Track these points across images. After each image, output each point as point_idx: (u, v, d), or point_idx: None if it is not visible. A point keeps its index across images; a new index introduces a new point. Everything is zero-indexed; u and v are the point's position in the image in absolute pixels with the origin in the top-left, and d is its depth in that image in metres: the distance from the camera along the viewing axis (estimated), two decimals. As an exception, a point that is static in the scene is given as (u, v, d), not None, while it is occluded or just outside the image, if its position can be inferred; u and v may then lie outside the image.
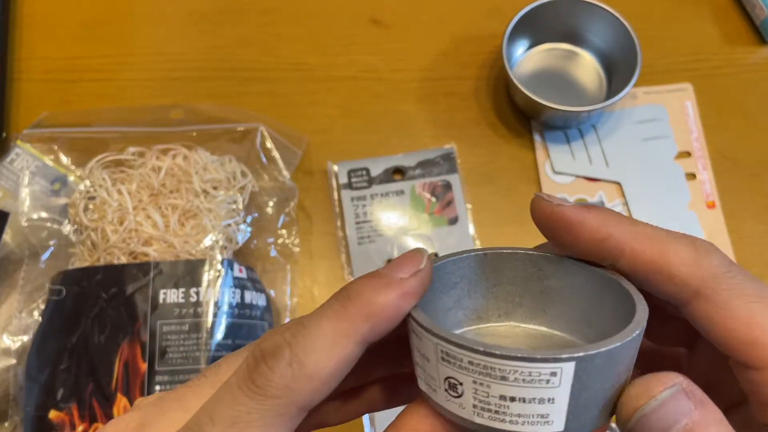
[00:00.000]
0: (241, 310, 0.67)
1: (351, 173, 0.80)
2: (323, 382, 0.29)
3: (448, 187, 0.80)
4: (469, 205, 0.80)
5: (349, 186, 0.80)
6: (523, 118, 0.84)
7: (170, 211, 0.70)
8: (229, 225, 0.73)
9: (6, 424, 0.68)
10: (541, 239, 0.37)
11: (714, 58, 0.87)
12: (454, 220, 0.79)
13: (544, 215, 0.35)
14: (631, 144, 0.82)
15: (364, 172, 0.80)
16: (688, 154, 0.82)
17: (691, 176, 0.81)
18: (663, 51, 0.87)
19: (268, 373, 0.29)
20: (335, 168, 0.81)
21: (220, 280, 0.67)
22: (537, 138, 0.83)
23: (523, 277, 0.37)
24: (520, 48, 0.85)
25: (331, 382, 0.29)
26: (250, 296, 0.69)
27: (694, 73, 0.86)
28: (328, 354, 0.29)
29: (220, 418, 0.29)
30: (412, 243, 0.77)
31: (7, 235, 0.73)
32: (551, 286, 0.36)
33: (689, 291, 0.31)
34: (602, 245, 0.32)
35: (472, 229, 0.79)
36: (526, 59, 0.85)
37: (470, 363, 0.28)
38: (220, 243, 0.71)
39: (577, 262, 0.35)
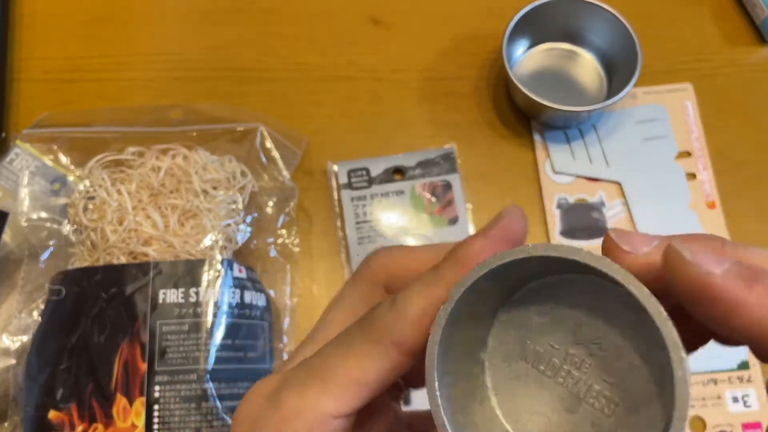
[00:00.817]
0: (240, 310, 0.67)
1: (351, 173, 0.80)
2: (415, 320, 0.31)
3: (448, 187, 0.80)
4: (469, 205, 0.80)
5: (349, 186, 0.80)
6: (523, 118, 0.84)
7: (170, 211, 0.70)
8: (229, 225, 0.72)
9: (6, 424, 0.68)
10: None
11: (714, 58, 0.87)
12: (454, 220, 0.79)
13: (688, 284, 0.26)
14: (631, 144, 0.82)
15: (364, 172, 0.80)
16: (688, 154, 0.82)
17: (692, 176, 0.81)
18: (663, 51, 0.87)
19: (372, 313, 0.32)
20: (335, 168, 0.81)
21: (219, 280, 0.67)
22: (537, 138, 0.83)
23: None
24: (520, 48, 0.85)
25: (425, 323, 0.30)
26: (249, 296, 0.69)
27: (694, 73, 0.86)
28: (420, 295, 0.31)
29: (337, 337, 0.33)
30: (412, 243, 0.77)
31: (7, 235, 0.73)
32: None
33: None
34: (755, 339, 0.25)
35: (472, 229, 0.79)
36: (526, 59, 0.85)
37: None
38: (220, 243, 0.71)
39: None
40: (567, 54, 0.86)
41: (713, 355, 0.72)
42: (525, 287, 0.32)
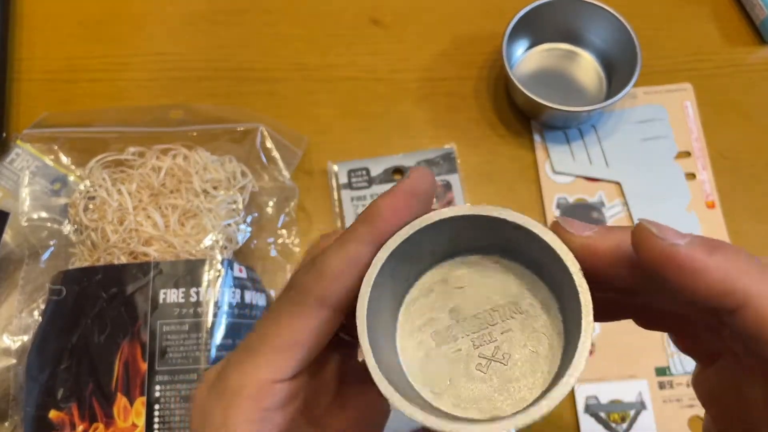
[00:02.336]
0: (241, 310, 0.67)
1: (351, 173, 0.80)
2: (334, 277, 0.33)
3: (448, 187, 0.80)
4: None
5: (349, 186, 0.80)
6: (523, 118, 0.84)
7: (170, 211, 0.70)
8: (229, 225, 0.73)
9: (6, 423, 0.68)
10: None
11: (714, 58, 0.87)
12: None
13: (654, 255, 0.29)
14: (631, 144, 0.82)
15: (364, 172, 0.80)
16: (687, 154, 0.82)
17: (691, 176, 0.81)
18: (663, 51, 0.87)
19: (294, 275, 0.35)
20: (335, 168, 0.81)
21: (220, 280, 0.67)
22: (537, 138, 0.83)
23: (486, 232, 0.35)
24: (520, 48, 0.85)
25: (343, 278, 0.33)
26: (250, 296, 0.69)
27: (693, 73, 0.86)
28: (336, 253, 0.33)
29: (268, 311, 0.35)
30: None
31: (7, 235, 0.73)
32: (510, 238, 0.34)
33: None
34: (720, 299, 0.28)
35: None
36: (526, 59, 0.85)
37: None
38: (220, 243, 0.71)
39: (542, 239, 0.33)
40: (567, 54, 0.86)
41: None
42: (447, 261, 0.36)
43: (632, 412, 0.73)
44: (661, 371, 0.74)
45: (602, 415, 0.72)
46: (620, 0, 0.83)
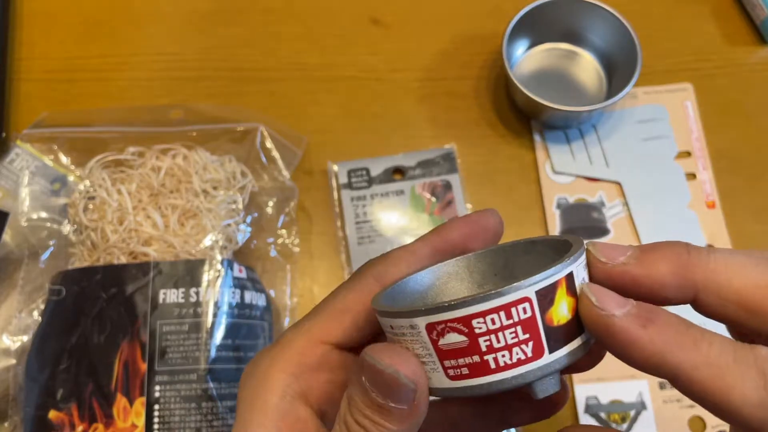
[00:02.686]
0: (241, 310, 0.67)
1: (351, 173, 0.80)
2: (396, 261, 0.37)
3: (448, 187, 0.80)
4: (469, 205, 0.80)
5: (349, 186, 0.80)
6: (523, 118, 0.84)
7: (170, 211, 0.70)
8: (229, 225, 0.73)
9: (6, 424, 0.68)
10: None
11: (714, 58, 0.87)
12: (454, 220, 0.78)
13: (593, 323, 0.30)
14: (631, 144, 0.82)
15: (364, 172, 0.80)
16: (688, 153, 0.82)
17: (691, 176, 0.81)
18: (663, 51, 0.87)
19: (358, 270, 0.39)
20: (335, 168, 0.81)
21: (219, 280, 0.67)
22: (537, 138, 0.83)
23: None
24: (520, 48, 0.85)
25: (402, 265, 0.37)
26: (250, 296, 0.69)
27: (694, 73, 0.86)
28: (405, 247, 0.38)
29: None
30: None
31: (7, 235, 0.73)
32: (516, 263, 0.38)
33: (749, 429, 0.29)
34: (654, 370, 0.29)
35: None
36: (526, 59, 0.85)
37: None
38: (220, 243, 0.71)
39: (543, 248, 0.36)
40: (567, 54, 0.86)
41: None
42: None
43: (632, 413, 0.73)
44: (662, 371, 0.74)
45: (602, 415, 0.72)
46: (620, 0, 0.83)
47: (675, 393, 0.73)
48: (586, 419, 0.72)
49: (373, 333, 0.38)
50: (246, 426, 0.35)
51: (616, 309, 0.29)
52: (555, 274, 0.30)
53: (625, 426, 0.72)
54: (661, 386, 0.73)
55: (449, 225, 0.38)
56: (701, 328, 0.30)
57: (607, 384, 0.73)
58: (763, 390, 0.28)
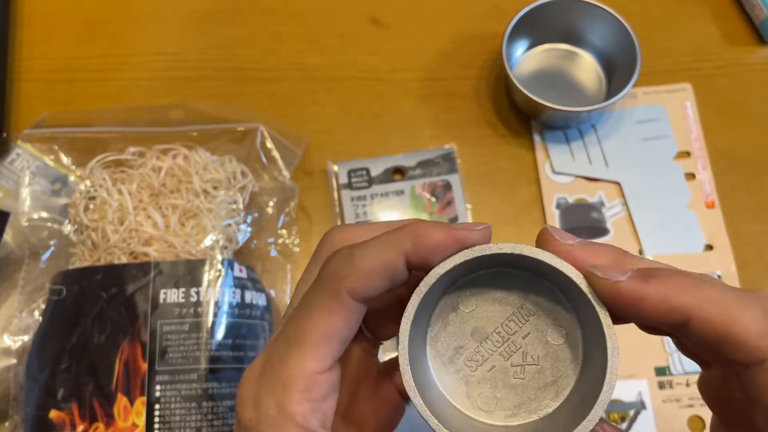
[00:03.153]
0: (241, 309, 0.67)
1: (351, 173, 0.80)
2: (366, 275, 0.35)
3: (448, 187, 0.80)
4: (469, 205, 0.80)
5: (349, 186, 0.80)
6: (523, 118, 0.84)
7: (170, 211, 0.70)
8: (230, 225, 0.73)
9: (6, 424, 0.68)
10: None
11: (714, 58, 0.87)
12: (454, 220, 0.79)
13: (604, 294, 0.33)
14: (631, 144, 0.82)
15: (364, 172, 0.80)
16: (687, 154, 0.82)
17: (691, 176, 0.81)
18: (663, 51, 0.87)
19: (327, 264, 0.37)
20: (335, 168, 0.81)
21: (220, 280, 0.67)
22: (537, 138, 0.83)
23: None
24: (520, 48, 0.85)
25: (375, 278, 0.35)
26: (250, 296, 0.69)
27: (693, 73, 0.86)
28: (374, 254, 0.35)
29: (299, 301, 0.38)
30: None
31: (8, 235, 0.74)
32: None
33: (753, 359, 0.31)
34: (666, 318, 0.32)
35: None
36: (526, 59, 0.86)
37: None
38: (221, 243, 0.71)
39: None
40: (566, 54, 0.86)
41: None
42: (465, 278, 0.38)
43: (632, 412, 0.73)
44: (661, 371, 0.74)
45: (602, 414, 0.72)
46: (620, 0, 0.83)
47: (674, 392, 0.73)
48: (585, 419, 0.72)
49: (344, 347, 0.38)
50: None
51: (620, 276, 0.32)
52: None
53: (624, 425, 0.72)
54: (661, 386, 0.73)
55: (427, 236, 0.35)
56: (704, 275, 0.33)
57: (606, 384, 0.73)
58: (767, 320, 0.31)
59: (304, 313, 0.36)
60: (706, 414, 0.72)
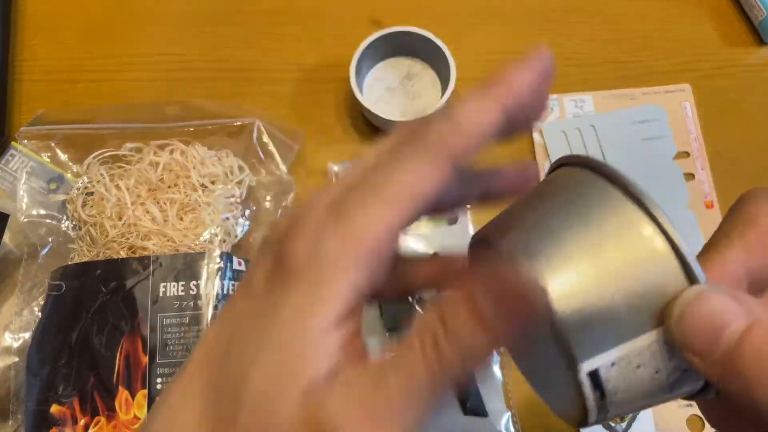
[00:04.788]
0: (241, 302, 0.67)
1: (351, 173, 0.80)
2: (469, 135, 0.31)
3: (447, 186, 0.80)
4: (468, 205, 0.80)
5: (349, 185, 0.80)
6: (522, 118, 0.84)
7: (168, 205, 0.71)
8: (228, 219, 0.73)
9: (10, 422, 0.68)
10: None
11: (712, 59, 0.87)
12: (454, 221, 0.79)
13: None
14: (630, 144, 0.82)
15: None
16: (686, 154, 0.82)
17: (690, 176, 0.81)
18: (661, 52, 0.87)
19: (426, 126, 0.32)
20: (335, 168, 0.81)
21: (219, 273, 0.67)
22: (537, 138, 0.83)
23: None
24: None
25: (478, 138, 0.32)
26: (248, 289, 0.69)
27: (692, 74, 0.86)
28: (476, 113, 0.31)
29: (387, 154, 0.33)
30: (412, 243, 0.77)
31: (6, 236, 0.73)
32: None
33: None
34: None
35: (471, 230, 0.79)
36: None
37: None
38: (219, 237, 0.71)
39: None
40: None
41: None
42: None
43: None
44: (661, 370, 0.74)
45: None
46: (620, 1, 0.83)
47: (674, 391, 0.73)
48: (585, 417, 0.72)
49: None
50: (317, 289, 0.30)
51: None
52: None
53: (624, 425, 0.72)
54: (660, 385, 0.73)
55: (510, 76, 0.32)
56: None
57: (606, 383, 0.73)
58: None
59: (396, 165, 0.32)
60: (706, 413, 0.72)
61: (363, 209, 0.31)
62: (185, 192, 0.71)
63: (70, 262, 0.71)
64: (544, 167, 0.81)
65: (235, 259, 0.69)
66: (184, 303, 0.65)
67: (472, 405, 0.69)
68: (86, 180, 0.74)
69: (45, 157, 0.77)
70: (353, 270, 0.30)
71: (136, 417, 0.62)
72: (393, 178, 0.31)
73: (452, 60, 0.81)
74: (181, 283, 0.66)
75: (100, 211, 0.71)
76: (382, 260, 0.31)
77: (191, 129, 0.78)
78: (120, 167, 0.74)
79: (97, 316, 0.65)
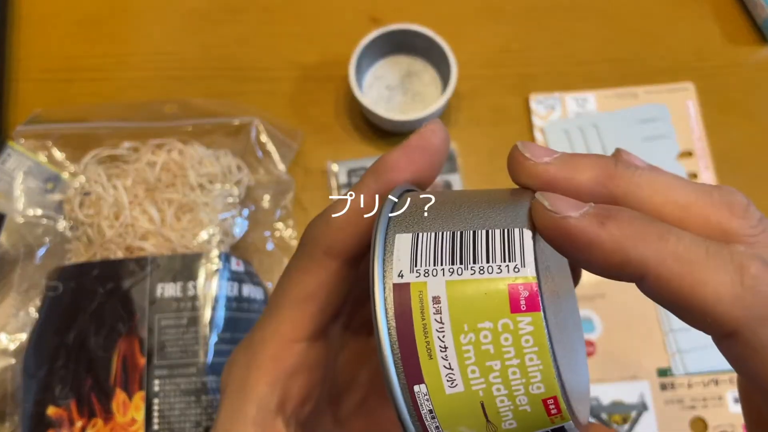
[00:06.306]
0: (238, 303, 0.67)
1: (351, 173, 0.80)
2: (340, 227, 0.33)
3: (448, 186, 0.79)
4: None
5: (349, 185, 0.79)
6: (523, 117, 0.84)
7: (166, 205, 0.70)
8: (226, 219, 0.72)
9: (7, 424, 0.68)
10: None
11: (716, 58, 0.87)
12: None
13: (548, 229, 0.27)
14: (633, 143, 0.82)
15: (364, 172, 0.80)
16: (690, 153, 0.82)
17: (693, 176, 0.81)
18: (664, 50, 0.87)
19: (305, 230, 0.35)
20: (335, 168, 0.80)
21: (217, 274, 0.67)
22: (538, 137, 0.82)
23: None
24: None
25: (348, 229, 0.33)
26: (247, 290, 0.69)
27: (695, 73, 0.86)
28: (341, 205, 0.33)
29: (286, 268, 0.36)
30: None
31: (2, 236, 0.73)
32: None
33: (722, 330, 0.26)
34: (619, 270, 0.26)
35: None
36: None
37: None
38: (217, 237, 0.70)
39: None
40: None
41: (714, 356, 0.72)
42: None
43: (634, 414, 0.72)
44: (663, 372, 0.73)
45: (603, 416, 0.72)
46: (622, 0, 0.83)
47: (677, 394, 0.73)
48: (587, 419, 0.72)
49: (337, 311, 0.36)
50: None
51: (571, 210, 0.27)
52: None
53: (626, 427, 0.72)
54: (663, 387, 0.73)
55: (386, 163, 0.34)
56: (669, 225, 0.27)
57: (608, 385, 0.73)
58: (740, 286, 0.25)
59: (284, 277, 0.35)
60: (709, 415, 0.72)
61: (259, 329, 0.35)
62: (183, 192, 0.71)
63: (67, 263, 0.71)
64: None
65: (233, 260, 0.69)
66: (182, 304, 0.65)
67: None
68: (83, 180, 0.73)
69: (42, 157, 0.77)
70: (253, 392, 0.34)
71: (133, 419, 0.62)
72: (280, 290, 0.35)
73: (453, 58, 0.80)
74: (178, 283, 0.66)
75: (97, 212, 0.70)
76: (291, 361, 0.34)
77: (189, 128, 0.78)
78: (117, 167, 0.74)
79: (95, 317, 0.65)
